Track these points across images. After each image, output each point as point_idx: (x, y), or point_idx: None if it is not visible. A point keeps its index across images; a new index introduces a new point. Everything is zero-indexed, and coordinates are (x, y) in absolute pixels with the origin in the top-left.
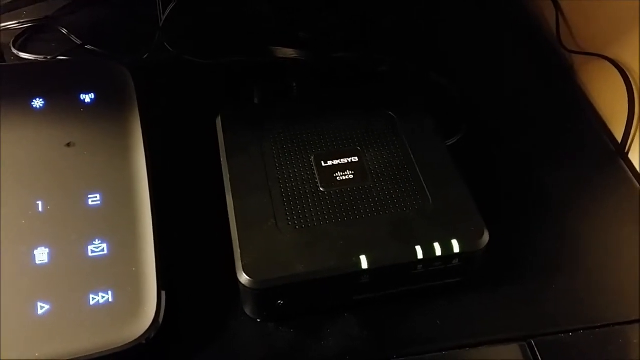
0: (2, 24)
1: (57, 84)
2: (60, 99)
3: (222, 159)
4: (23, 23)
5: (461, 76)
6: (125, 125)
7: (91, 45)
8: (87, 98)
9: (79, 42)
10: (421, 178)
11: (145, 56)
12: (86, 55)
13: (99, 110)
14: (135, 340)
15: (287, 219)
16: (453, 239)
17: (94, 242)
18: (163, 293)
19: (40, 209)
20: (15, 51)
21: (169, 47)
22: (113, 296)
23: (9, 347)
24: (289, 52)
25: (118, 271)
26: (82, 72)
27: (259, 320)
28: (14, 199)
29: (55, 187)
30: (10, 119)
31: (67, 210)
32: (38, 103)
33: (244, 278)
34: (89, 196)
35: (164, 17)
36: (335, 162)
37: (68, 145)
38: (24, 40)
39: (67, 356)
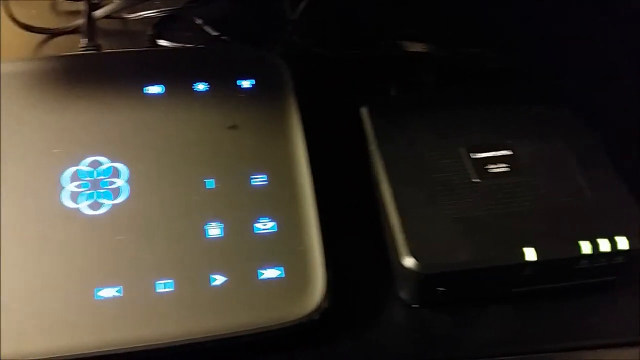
0: (143, 13)
1: (218, 69)
2: (221, 84)
3: (371, 148)
4: (159, 12)
5: (592, 78)
6: (284, 111)
7: (226, 36)
8: (248, 84)
9: (214, 32)
10: (578, 173)
11: (276, 48)
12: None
13: (259, 95)
14: (306, 316)
15: (445, 208)
16: (619, 235)
17: (261, 220)
18: (330, 272)
19: (209, 186)
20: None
21: (298, 40)
22: (283, 272)
23: (187, 316)
24: (419, 46)
25: (286, 249)
26: (242, 59)
27: (413, 306)
28: (185, 176)
29: (222, 167)
30: (176, 101)
31: (235, 188)
32: (201, 86)
33: (410, 262)
34: (255, 176)
35: (297, 11)
36: (486, 154)
37: (231, 127)
38: (160, 29)
39: (242, 327)
